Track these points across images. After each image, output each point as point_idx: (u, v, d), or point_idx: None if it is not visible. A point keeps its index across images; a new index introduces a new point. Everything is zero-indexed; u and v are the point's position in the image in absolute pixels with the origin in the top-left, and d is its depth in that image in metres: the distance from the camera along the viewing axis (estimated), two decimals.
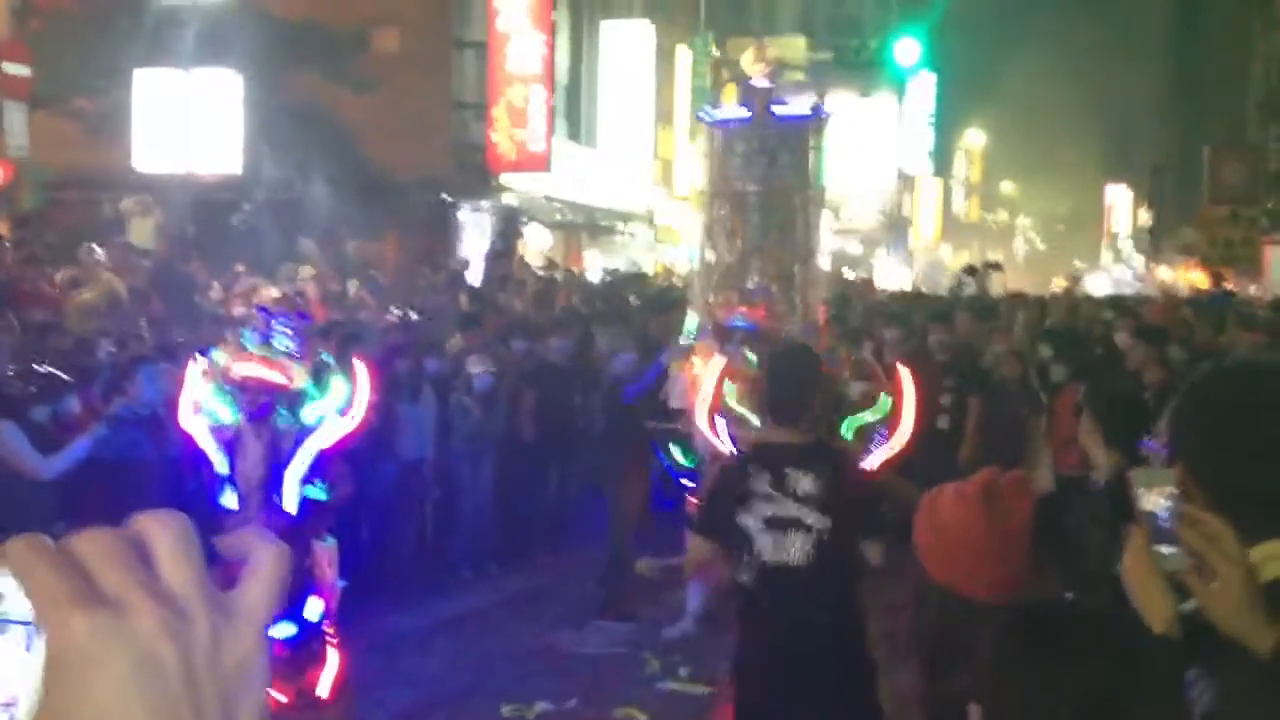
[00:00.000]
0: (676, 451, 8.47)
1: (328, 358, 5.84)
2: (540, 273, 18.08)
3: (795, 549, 4.14)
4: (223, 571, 0.70)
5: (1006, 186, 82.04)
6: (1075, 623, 1.95)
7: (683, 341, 9.03)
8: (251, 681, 0.67)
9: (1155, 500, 1.80)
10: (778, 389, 4.58)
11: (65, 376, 7.32)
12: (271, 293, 11.66)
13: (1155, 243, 52.19)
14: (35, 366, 7.29)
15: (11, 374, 7.17)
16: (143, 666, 0.62)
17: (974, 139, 67.11)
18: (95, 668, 0.62)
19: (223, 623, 0.66)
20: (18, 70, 13.92)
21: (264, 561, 0.70)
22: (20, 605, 0.64)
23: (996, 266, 19.00)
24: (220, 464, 5.38)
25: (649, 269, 25.89)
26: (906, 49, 27.65)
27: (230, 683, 0.65)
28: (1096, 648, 1.85)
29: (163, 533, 0.67)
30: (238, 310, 11.02)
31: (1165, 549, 1.79)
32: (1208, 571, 1.76)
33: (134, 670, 0.62)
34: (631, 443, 9.12)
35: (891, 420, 5.41)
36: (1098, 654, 1.82)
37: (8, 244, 11.85)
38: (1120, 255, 70.91)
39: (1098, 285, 43.91)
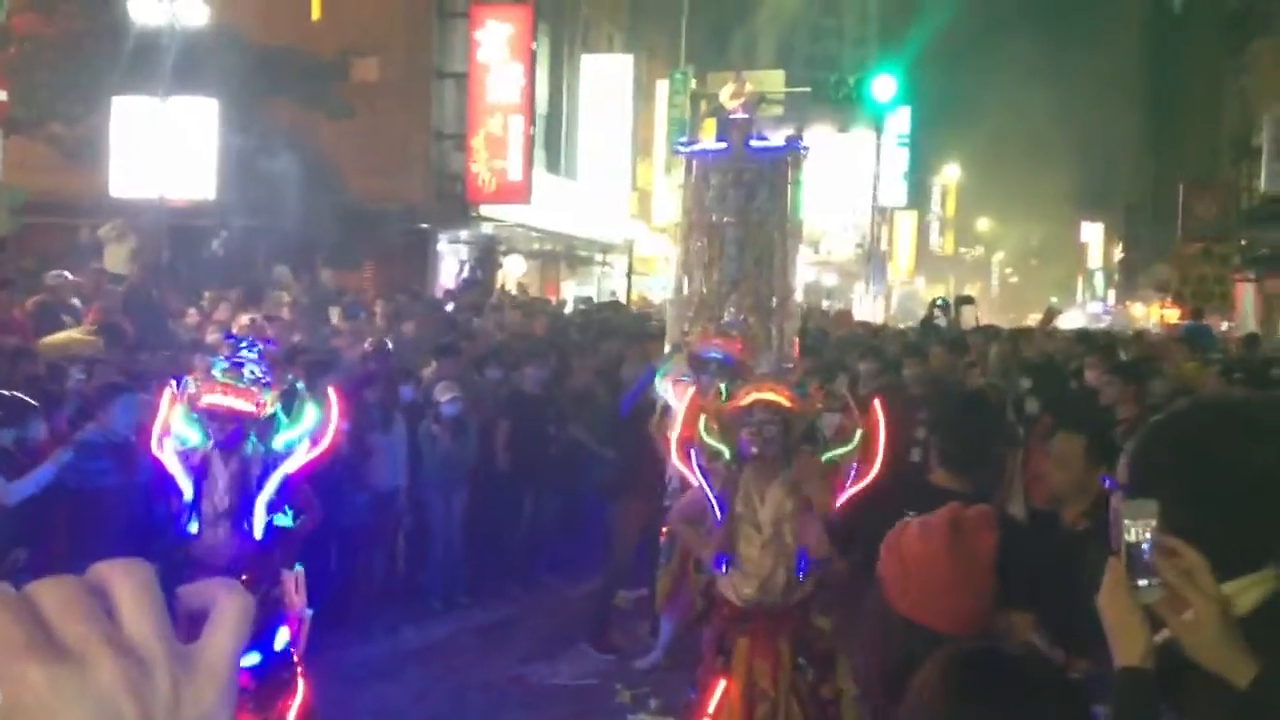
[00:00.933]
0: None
1: (299, 384, 5.80)
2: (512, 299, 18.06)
3: None
4: (187, 621, 0.68)
5: (982, 223, 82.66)
6: (1008, 665, 1.98)
7: (659, 374, 9.02)
8: None
9: (1139, 533, 1.80)
10: (955, 436, 4.59)
11: (32, 401, 7.25)
12: (244, 319, 11.63)
13: (1128, 279, 52.63)
14: (1, 392, 7.21)
15: None
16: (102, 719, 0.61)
17: (950, 174, 67.67)
18: None
19: (184, 676, 0.64)
20: None
21: (228, 613, 0.68)
22: None
23: (969, 300, 19.07)
24: (187, 490, 5.34)
25: (625, 299, 25.92)
26: (884, 85, 27.88)
27: None
28: (1020, 693, 1.88)
29: (125, 581, 0.65)
30: (211, 337, 10.99)
31: (1143, 582, 1.79)
32: (1181, 604, 1.76)
33: None
34: (633, 465, 9.08)
35: (864, 454, 5.41)
36: (1022, 700, 1.86)
37: None
38: (1095, 291, 71.47)
39: (1070, 320, 44.18)
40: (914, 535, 2.71)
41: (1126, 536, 1.80)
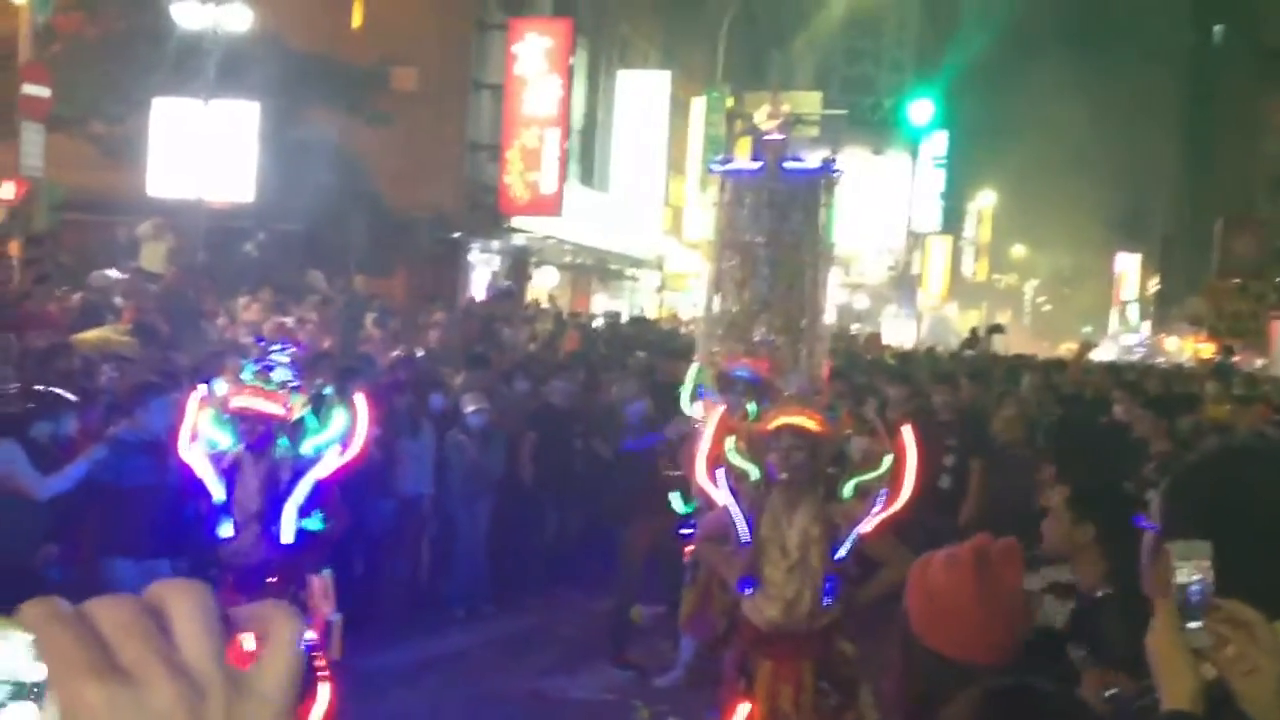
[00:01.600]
0: (676, 499, 8.45)
1: (327, 390, 5.84)
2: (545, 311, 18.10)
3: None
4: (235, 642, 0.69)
5: (1017, 249, 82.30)
6: (1042, 704, 1.96)
7: (685, 391, 9.02)
8: None
9: (1189, 573, 1.78)
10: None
11: (68, 396, 7.31)
12: (273, 322, 11.70)
13: (1163, 311, 52.27)
14: (37, 386, 7.28)
15: (13, 392, 7.16)
16: None
17: (985, 200, 67.40)
18: None
19: (238, 701, 0.64)
20: (37, 91, 14.04)
21: (283, 638, 0.68)
22: (21, 668, 0.63)
23: (999, 329, 19.08)
24: (218, 493, 5.37)
25: (655, 315, 25.96)
26: (921, 109, 27.86)
27: None
28: None
29: (182, 603, 0.66)
30: (243, 339, 11.05)
31: (1193, 625, 1.77)
32: (1227, 647, 1.74)
33: None
34: (640, 487, 9.08)
35: (892, 480, 5.39)
36: None
37: (15, 263, 11.90)
38: (1128, 323, 71.00)
39: (1103, 352, 43.93)
40: (940, 566, 2.70)
41: (1177, 578, 1.78)
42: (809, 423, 5.33)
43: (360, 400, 5.77)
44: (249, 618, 0.69)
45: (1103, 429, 10.36)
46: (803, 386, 6.20)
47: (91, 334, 9.99)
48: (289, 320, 12.06)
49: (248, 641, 0.69)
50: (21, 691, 0.64)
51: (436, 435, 10.07)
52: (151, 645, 0.63)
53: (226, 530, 5.36)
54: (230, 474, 5.42)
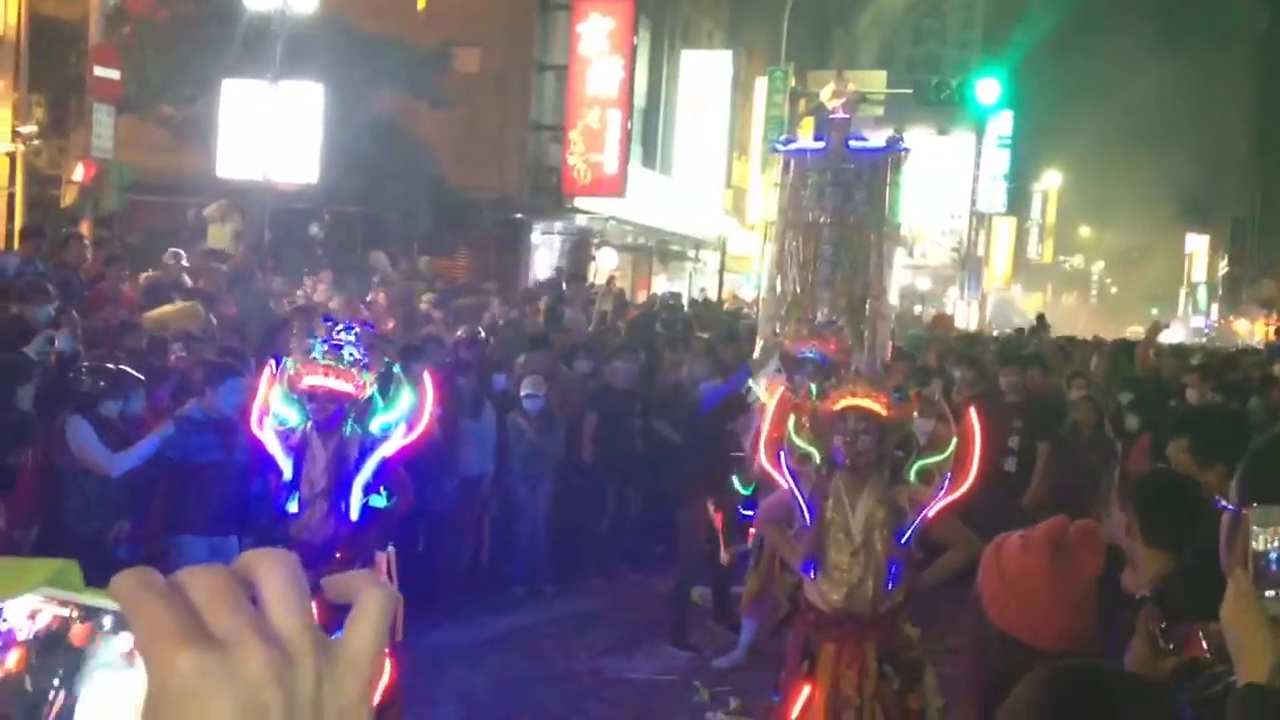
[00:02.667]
0: (735, 480, 8.43)
1: (396, 368, 5.87)
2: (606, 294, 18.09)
3: None
4: (327, 612, 0.68)
5: (1084, 231, 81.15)
6: (1111, 684, 1.91)
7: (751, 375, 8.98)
8: None
9: (1268, 540, 1.72)
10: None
11: (136, 374, 7.41)
12: (346, 301, 11.80)
13: (1232, 294, 51.35)
14: (107, 363, 7.38)
15: (83, 369, 7.28)
16: (248, 710, 0.61)
17: (1051, 180, 66.45)
18: (199, 707, 0.61)
19: (327, 669, 0.65)
20: (107, 74, 14.23)
21: (372, 607, 0.68)
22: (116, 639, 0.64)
23: (1043, 323, 19.36)
24: (287, 470, 5.42)
25: (716, 296, 25.89)
26: (987, 88, 27.44)
27: None
28: (1126, 711, 1.80)
29: (273, 573, 0.66)
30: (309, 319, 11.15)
31: (1271, 593, 1.71)
32: None
33: (239, 712, 0.61)
34: (705, 467, 9.05)
35: (958, 463, 5.32)
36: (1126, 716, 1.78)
37: (88, 243, 12.09)
38: (1197, 305, 69.82)
39: (1172, 334, 43.22)
40: (1014, 549, 2.65)
41: (1254, 545, 1.72)
42: (875, 406, 5.27)
43: (427, 379, 5.79)
44: (337, 585, 0.70)
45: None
46: (871, 367, 6.13)
47: (158, 311, 10.16)
48: (355, 299, 12.17)
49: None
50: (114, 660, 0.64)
51: (498, 416, 10.12)
52: (242, 614, 0.64)
53: (294, 507, 5.41)
54: (298, 451, 5.46)
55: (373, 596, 0.68)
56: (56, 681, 0.63)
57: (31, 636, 0.64)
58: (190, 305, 10.50)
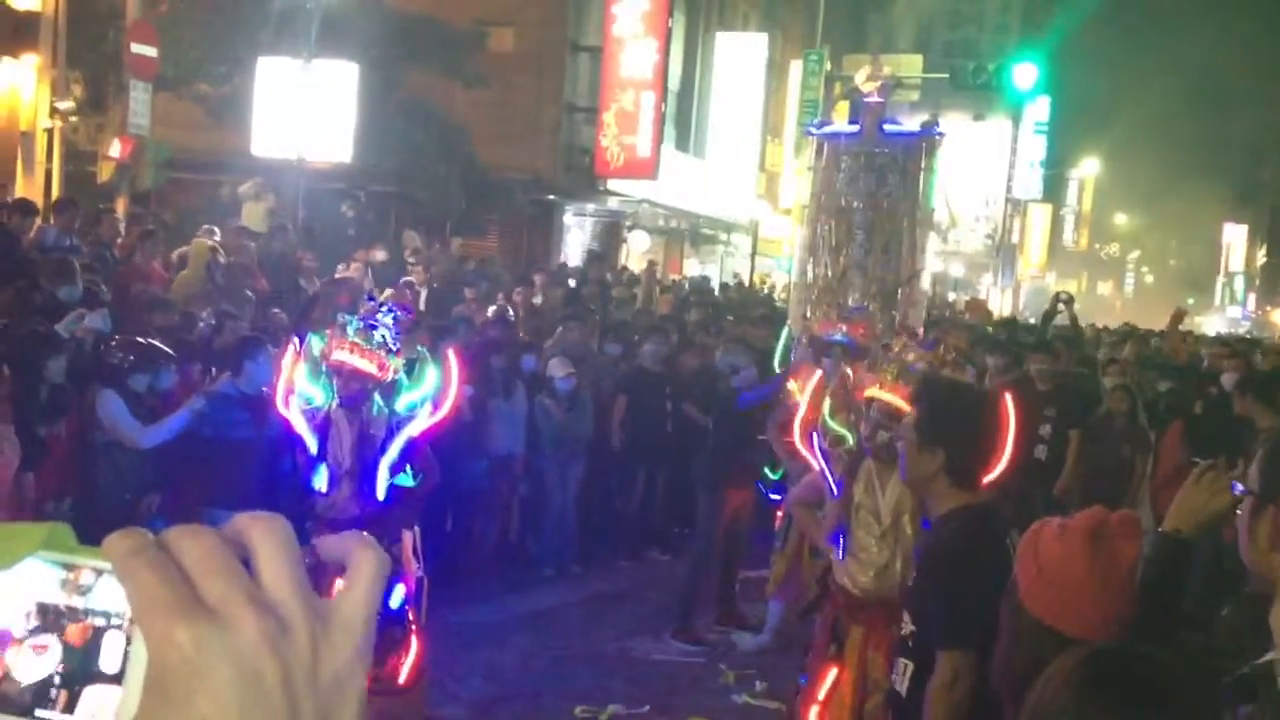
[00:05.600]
0: (766, 469, 8.41)
1: (424, 350, 5.88)
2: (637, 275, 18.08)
3: None
4: (317, 571, 0.68)
5: (1120, 219, 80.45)
6: (1149, 667, 1.87)
7: (778, 355, 8.95)
8: (348, 695, 0.65)
9: None
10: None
11: (166, 349, 7.46)
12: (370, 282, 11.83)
13: (1270, 284, 50.81)
14: (137, 338, 7.43)
15: (113, 343, 7.32)
16: (245, 680, 0.61)
17: (1088, 167, 65.87)
18: (198, 680, 0.61)
19: (321, 634, 0.64)
20: (144, 50, 14.27)
21: (365, 569, 0.68)
22: (113, 601, 0.64)
23: (1069, 300, 19.08)
24: (313, 446, 5.44)
25: (747, 280, 25.83)
26: (1025, 73, 27.16)
27: (327, 696, 0.64)
28: (1163, 696, 1.78)
29: (265, 537, 0.65)
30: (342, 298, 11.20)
31: None
32: None
33: (236, 684, 0.61)
34: (733, 454, 9.00)
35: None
36: (1162, 703, 1.76)
37: (120, 218, 12.16)
38: (1234, 295, 69.13)
39: (1208, 324, 42.79)
40: (1052, 537, 2.62)
41: None
42: (899, 401, 5.23)
43: (452, 358, 5.79)
44: (329, 547, 0.69)
45: None
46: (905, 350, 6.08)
47: (183, 275, 10.37)
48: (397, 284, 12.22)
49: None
50: (112, 623, 0.64)
51: (529, 396, 10.12)
52: (235, 580, 0.63)
53: (321, 484, 5.43)
54: (324, 428, 5.48)
55: (366, 559, 0.68)
56: (58, 680, 0.63)
57: (27, 633, 0.64)
58: (199, 242, 10.66)
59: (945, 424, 3.68)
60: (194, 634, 0.61)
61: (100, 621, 0.64)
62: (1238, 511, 2.22)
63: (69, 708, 0.63)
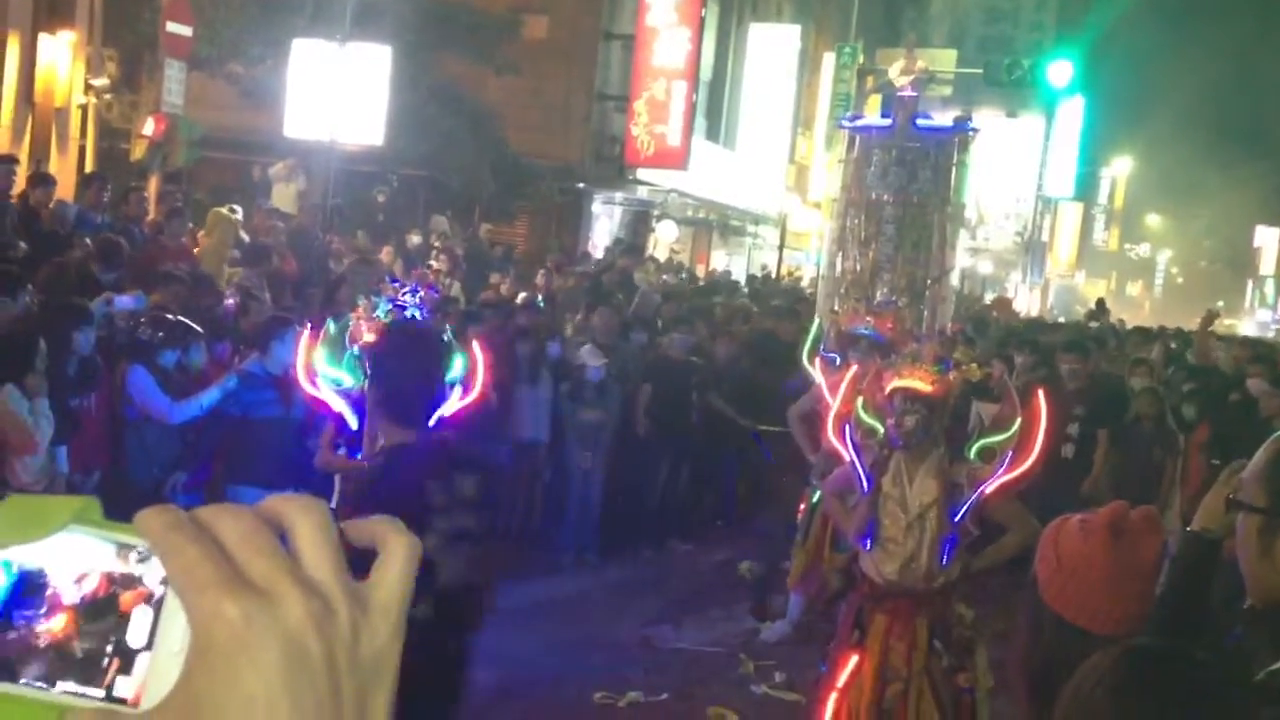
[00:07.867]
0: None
1: (449, 333, 5.89)
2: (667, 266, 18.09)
3: None
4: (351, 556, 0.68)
5: (1152, 219, 79.86)
6: (1183, 667, 1.85)
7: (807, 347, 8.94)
8: (384, 676, 0.65)
9: None
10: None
11: (195, 326, 7.50)
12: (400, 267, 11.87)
13: None
14: (166, 315, 7.47)
15: (142, 319, 7.37)
16: (291, 658, 0.61)
17: (1120, 167, 65.37)
18: (245, 656, 0.60)
19: (360, 616, 0.64)
20: (180, 30, 14.34)
21: (399, 552, 0.68)
22: (148, 576, 0.63)
23: (1103, 308, 19.20)
24: (353, 421, 5.43)
25: (775, 273, 25.78)
26: (1060, 70, 26.96)
27: (366, 676, 0.64)
28: (1202, 695, 1.76)
29: (304, 519, 0.65)
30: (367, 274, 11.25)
31: None
32: None
33: (283, 661, 0.61)
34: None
35: (1020, 444, 5.29)
36: (1202, 702, 1.73)
37: (148, 196, 12.20)
38: (1264, 299, 68.58)
39: (1239, 328, 42.46)
40: (1073, 532, 2.61)
41: None
42: (921, 385, 5.25)
43: (476, 348, 5.80)
44: (361, 530, 0.69)
45: None
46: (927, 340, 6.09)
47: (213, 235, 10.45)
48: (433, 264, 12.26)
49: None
50: (155, 595, 0.63)
51: (554, 383, 10.14)
52: (279, 560, 0.63)
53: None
54: (358, 405, 5.50)
55: (399, 543, 0.68)
56: (109, 649, 0.62)
57: (79, 600, 0.63)
58: (216, 211, 10.70)
59: None
60: (244, 609, 0.60)
61: (146, 592, 0.63)
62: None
63: (121, 673, 0.62)
